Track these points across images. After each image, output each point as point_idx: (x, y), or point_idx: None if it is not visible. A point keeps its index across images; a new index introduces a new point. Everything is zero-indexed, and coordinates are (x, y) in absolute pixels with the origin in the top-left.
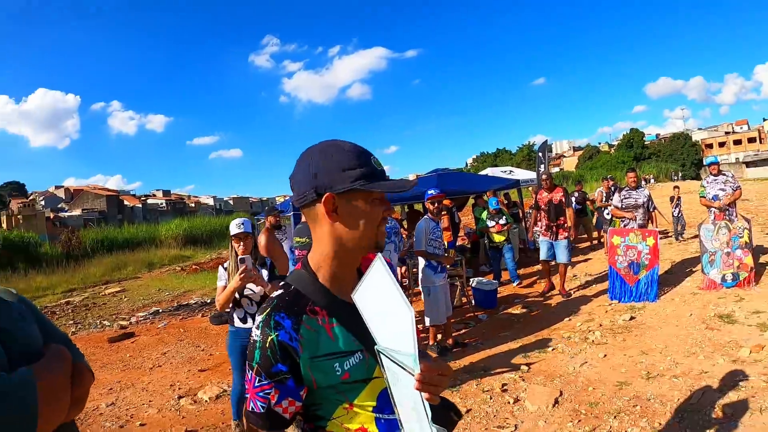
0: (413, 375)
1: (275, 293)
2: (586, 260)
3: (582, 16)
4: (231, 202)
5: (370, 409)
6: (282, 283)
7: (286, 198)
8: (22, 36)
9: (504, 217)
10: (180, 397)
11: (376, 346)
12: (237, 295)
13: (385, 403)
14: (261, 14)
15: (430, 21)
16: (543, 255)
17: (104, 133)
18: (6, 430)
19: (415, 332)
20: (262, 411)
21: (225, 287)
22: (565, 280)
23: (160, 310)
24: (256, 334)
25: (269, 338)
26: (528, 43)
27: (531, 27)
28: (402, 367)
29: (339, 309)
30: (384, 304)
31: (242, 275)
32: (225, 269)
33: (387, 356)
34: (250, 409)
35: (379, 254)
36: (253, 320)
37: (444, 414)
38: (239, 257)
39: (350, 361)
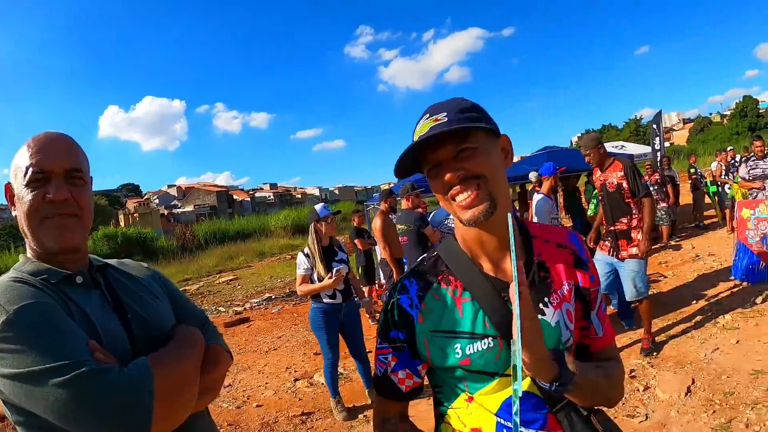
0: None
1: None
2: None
3: None
4: (336, 191)
5: (494, 410)
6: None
7: (392, 184)
8: (127, 47)
9: None
10: (296, 380)
11: (512, 344)
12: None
13: (509, 413)
14: (353, 4)
15: None
16: (602, 286)
17: (211, 133)
18: (118, 429)
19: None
20: (379, 375)
21: (306, 276)
22: (650, 323)
23: (273, 296)
24: (389, 294)
25: (392, 301)
26: (628, 9)
27: None
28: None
29: (478, 284)
30: None
31: (335, 280)
32: (306, 256)
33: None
34: (374, 373)
35: None
36: (343, 295)
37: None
38: (336, 266)
39: (476, 345)
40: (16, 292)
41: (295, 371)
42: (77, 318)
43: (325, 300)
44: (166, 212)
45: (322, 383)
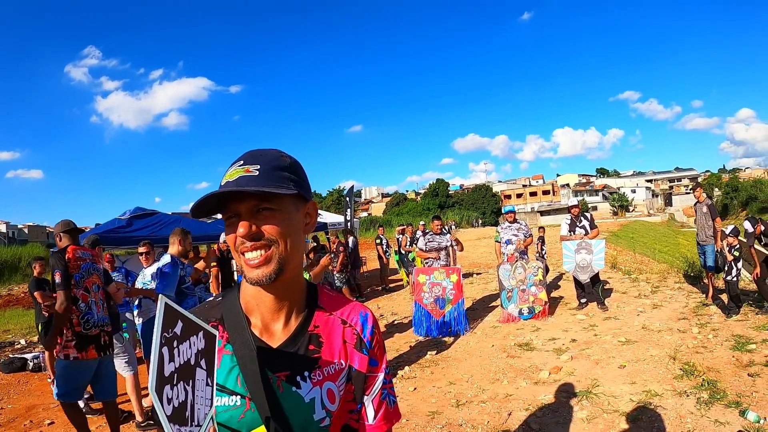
0: None
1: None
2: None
3: (399, 67)
4: (26, 230)
5: None
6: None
7: (88, 228)
8: None
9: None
10: None
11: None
12: None
13: None
14: (88, 20)
15: (257, 57)
16: None
17: None
18: None
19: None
20: None
21: None
22: None
23: None
24: None
25: None
26: (348, 91)
27: (352, 76)
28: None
29: (242, 341)
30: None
31: None
32: None
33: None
34: None
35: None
36: None
37: None
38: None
39: (223, 399)
40: None
41: None
42: None
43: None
44: None
45: None
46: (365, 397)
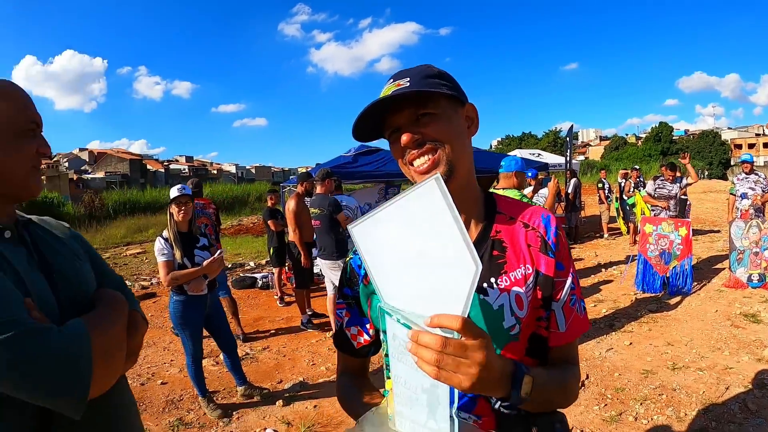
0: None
1: None
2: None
3: (621, 2)
4: (253, 170)
5: None
6: None
7: (310, 168)
8: None
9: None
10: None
11: (380, 303)
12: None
13: None
14: None
15: None
16: None
17: (130, 97)
18: (56, 392)
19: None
20: (336, 329)
21: (170, 262)
22: None
23: None
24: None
25: (347, 259)
26: (563, 26)
27: (567, 10)
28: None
29: None
30: (421, 242)
31: (216, 265)
32: (166, 240)
33: (396, 315)
34: (333, 326)
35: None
36: (209, 286)
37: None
38: (199, 255)
39: None
40: None
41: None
42: (8, 274)
43: (190, 291)
44: (75, 177)
45: None
46: (554, 303)
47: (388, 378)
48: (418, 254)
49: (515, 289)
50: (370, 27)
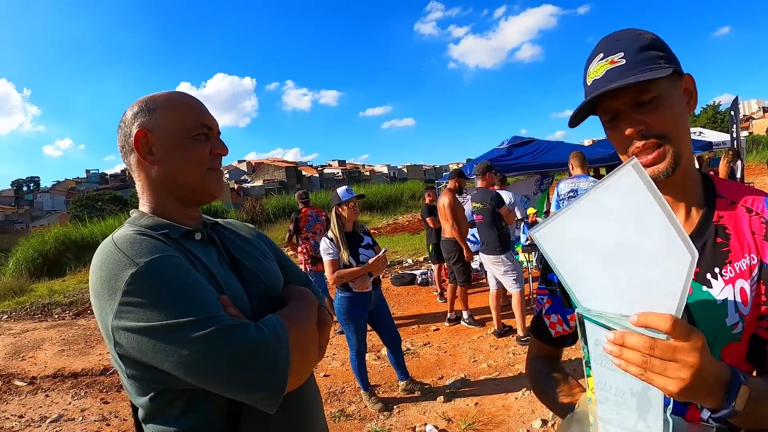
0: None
1: None
2: None
3: None
4: (405, 170)
5: None
6: None
7: (461, 164)
8: (200, 25)
9: None
10: None
11: (576, 310)
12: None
13: None
14: None
15: None
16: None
17: (280, 110)
18: (255, 387)
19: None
20: (535, 315)
21: (335, 261)
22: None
23: None
24: None
25: None
26: None
27: None
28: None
29: None
30: (626, 235)
31: (380, 263)
32: (331, 240)
33: (596, 318)
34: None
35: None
36: (373, 283)
37: None
38: (364, 253)
39: None
40: (143, 244)
41: None
42: (201, 273)
43: (354, 289)
44: (236, 186)
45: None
46: None
47: (589, 377)
48: (616, 249)
49: (740, 281)
50: (506, 15)
